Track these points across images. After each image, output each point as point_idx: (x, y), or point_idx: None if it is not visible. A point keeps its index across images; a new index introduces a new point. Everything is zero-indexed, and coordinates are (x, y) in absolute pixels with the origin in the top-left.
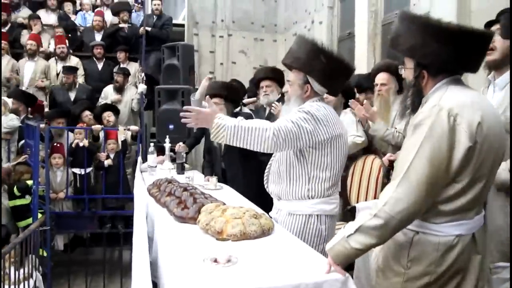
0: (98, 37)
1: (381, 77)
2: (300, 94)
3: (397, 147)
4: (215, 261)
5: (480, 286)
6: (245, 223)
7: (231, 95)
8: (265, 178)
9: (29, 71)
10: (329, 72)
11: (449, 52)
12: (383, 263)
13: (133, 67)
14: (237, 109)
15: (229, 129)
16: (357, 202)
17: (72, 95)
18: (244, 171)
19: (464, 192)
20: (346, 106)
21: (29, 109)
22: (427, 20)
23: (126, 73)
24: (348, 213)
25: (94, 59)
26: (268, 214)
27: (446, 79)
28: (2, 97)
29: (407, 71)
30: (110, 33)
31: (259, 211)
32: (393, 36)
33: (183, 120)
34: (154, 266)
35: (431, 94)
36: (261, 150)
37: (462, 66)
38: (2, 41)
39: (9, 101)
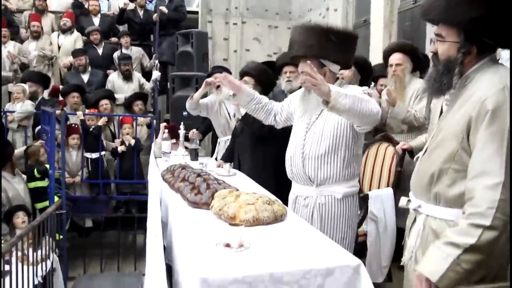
0: (96, 21)
1: (396, 57)
2: None
3: (417, 129)
4: (228, 245)
5: None
6: (258, 209)
7: (263, 79)
8: (301, 163)
9: (32, 50)
10: (342, 48)
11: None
12: None
13: (136, 52)
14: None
15: (350, 98)
16: (370, 190)
17: (85, 77)
18: (254, 158)
19: None
20: (362, 83)
21: (45, 90)
22: None
23: (130, 59)
24: (361, 200)
25: (93, 45)
26: (290, 202)
27: (490, 56)
28: (20, 84)
29: (447, 45)
30: (119, 18)
31: (272, 197)
32: (439, 5)
33: (302, 78)
34: (168, 250)
35: (475, 73)
36: (368, 124)
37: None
38: (3, 29)
39: (26, 86)
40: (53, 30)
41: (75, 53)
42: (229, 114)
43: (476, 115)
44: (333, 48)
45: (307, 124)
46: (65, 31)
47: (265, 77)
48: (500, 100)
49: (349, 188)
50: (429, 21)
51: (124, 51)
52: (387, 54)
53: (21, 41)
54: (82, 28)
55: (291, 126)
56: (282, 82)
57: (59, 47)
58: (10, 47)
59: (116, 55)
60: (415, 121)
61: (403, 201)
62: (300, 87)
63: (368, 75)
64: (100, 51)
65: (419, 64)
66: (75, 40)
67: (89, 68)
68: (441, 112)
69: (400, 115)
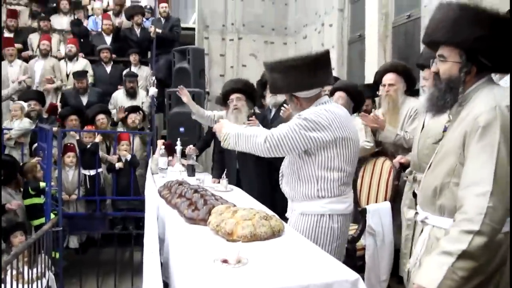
0: (108, 40)
1: (389, 78)
2: (295, 107)
3: (409, 150)
4: (225, 262)
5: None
6: (255, 224)
7: (252, 93)
8: (280, 179)
9: (38, 69)
10: (291, 79)
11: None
12: None
13: (145, 71)
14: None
15: (232, 137)
16: (367, 204)
17: (84, 99)
18: (258, 172)
19: None
20: (355, 110)
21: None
22: (494, 14)
23: (136, 77)
24: (359, 215)
25: (102, 63)
26: (284, 214)
27: (487, 77)
28: (19, 102)
29: (448, 65)
30: (115, 36)
31: (270, 212)
32: (445, 26)
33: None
34: (165, 267)
35: (473, 92)
36: (259, 155)
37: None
38: (10, 48)
39: (25, 104)
40: (57, 58)
41: (76, 76)
42: None
43: (469, 131)
44: (283, 83)
45: None
46: (71, 58)
47: (254, 92)
48: (491, 117)
49: (313, 207)
50: (432, 43)
51: (133, 68)
52: (380, 74)
53: (25, 60)
54: (94, 46)
55: None
56: (267, 96)
57: (67, 75)
58: (17, 66)
59: (125, 73)
60: (405, 143)
61: (411, 213)
62: (284, 101)
63: (360, 102)
64: (108, 69)
65: (412, 85)
66: (83, 67)
67: (89, 90)
68: (423, 127)
69: (389, 138)
